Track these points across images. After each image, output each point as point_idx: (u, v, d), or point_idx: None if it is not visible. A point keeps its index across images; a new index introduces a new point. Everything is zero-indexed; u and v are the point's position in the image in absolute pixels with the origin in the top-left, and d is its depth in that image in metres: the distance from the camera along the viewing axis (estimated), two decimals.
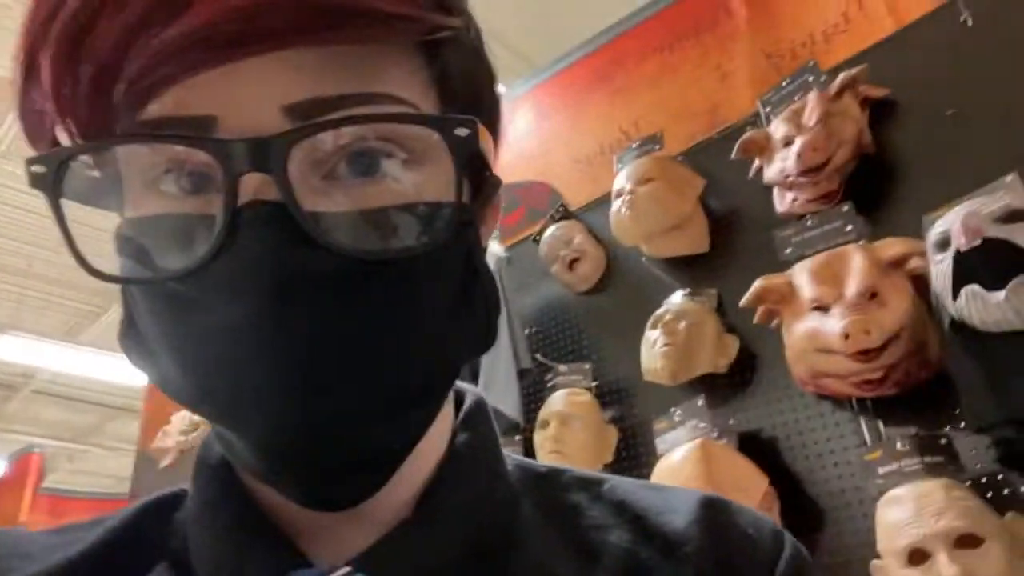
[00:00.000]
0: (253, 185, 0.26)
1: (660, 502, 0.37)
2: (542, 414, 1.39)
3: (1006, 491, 0.92)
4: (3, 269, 5.90)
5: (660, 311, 1.30)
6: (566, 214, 1.64)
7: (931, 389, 1.01)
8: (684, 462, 1.09)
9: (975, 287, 0.82)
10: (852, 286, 0.98)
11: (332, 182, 0.28)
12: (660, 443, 1.18)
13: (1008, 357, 0.81)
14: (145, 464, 2.65)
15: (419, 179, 0.29)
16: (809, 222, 1.13)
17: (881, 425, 1.07)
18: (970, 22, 1.16)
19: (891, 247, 1.02)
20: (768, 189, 1.29)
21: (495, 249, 1.66)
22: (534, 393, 1.51)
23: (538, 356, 1.56)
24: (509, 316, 1.49)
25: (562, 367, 1.47)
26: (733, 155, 1.29)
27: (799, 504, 1.11)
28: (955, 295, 0.85)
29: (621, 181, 1.40)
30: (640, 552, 0.35)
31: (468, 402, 0.38)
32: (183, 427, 2.13)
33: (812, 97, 1.19)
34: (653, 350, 1.26)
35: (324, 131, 0.26)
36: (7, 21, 2.95)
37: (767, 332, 1.19)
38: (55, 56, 0.26)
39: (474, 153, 0.29)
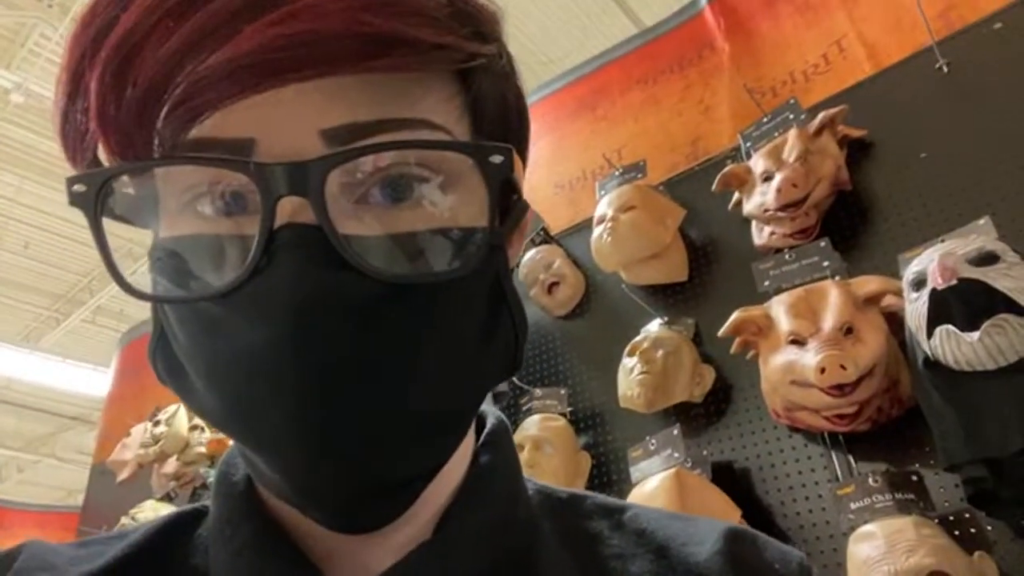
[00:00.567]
0: (290, 208, 0.26)
1: (684, 532, 0.36)
2: (516, 438, 1.38)
3: (973, 530, 0.93)
4: None
5: (638, 338, 1.30)
6: (546, 238, 1.64)
7: (902, 426, 1.02)
8: (658, 491, 1.08)
9: (950, 327, 0.83)
10: (829, 321, 1.00)
11: (365, 206, 0.28)
12: (634, 471, 1.17)
13: (980, 397, 0.82)
14: (100, 477, 2.56)
15: (452, 204, 0.29)
16: (787, 256, 1.14)
17: (852, 460, 1.08)
18: (945, 69, 1.20)
19: (867, 284, 1.03)
20: (746, 221, 1.31)
21: None
22: (509, 416, 1.49)
23: (514, 379, 1.55)
24: None
25: (538, 391, 1.46)
26: (714, 187, 1.31)
27: (771, 536, 1.11)
28: (930, 334, 0.86)
29: (603, 207, 1.41)
30: None
31: (490, 423, 0.38)
32: (143, 440, 2.06)
33: (792, 134, 1.22)
34: (630, 378, 1.26)
35: (362, 156, 0.27)
36: None
37: (742, 363, 1.20)
38: (102, 77, 0.26)
39: (507, 179, 0.29)
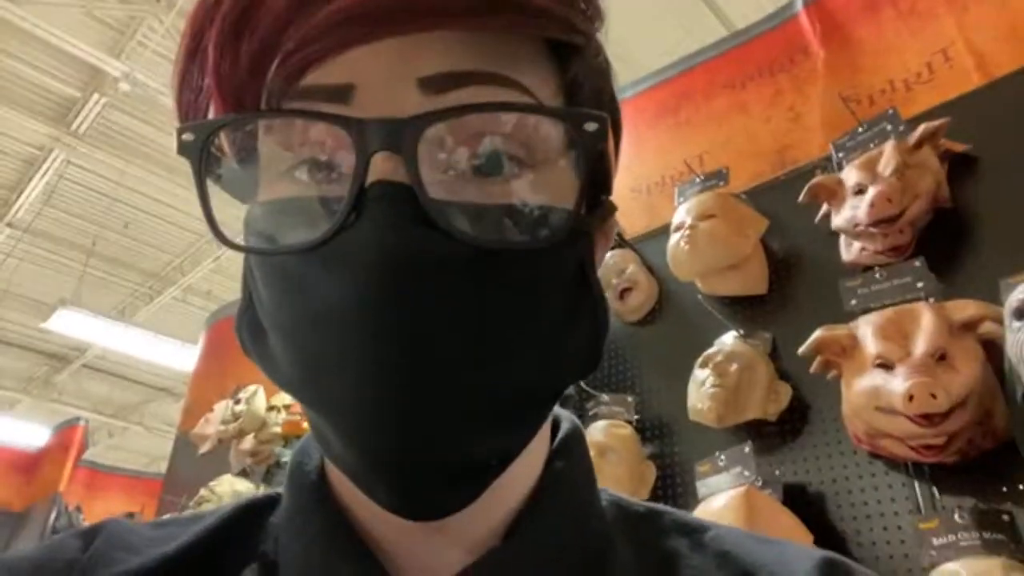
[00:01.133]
0: (382, 166, 0.27)
1: (773, 558, 0.34)
2: None
3: None
4: (69, 246, 6.16)
5: (711, 350, 1.27)
6: (621, 242, 1.62)
7: (993, 459, 0.96)
8: (725, 510, 1.06)
9: None
10: (920, 346, 0.95)
11: (456, 176, 0.28)
12: (702, 486, 1.15)
13: None
14: (183, 448, 2.71)
15: (540, 181, 0.29)
16: (878, 274, 1.09)
17: (936, 492, 1.03)
18: None
19: (964, 308, 0.97)
20: (833, 235, 1.25)
21: None
22: None
23: (581, 383, 1.54)
24: None
25: (605, 397, 1.45)
26: (801, 198, 1.26)
27: None
28: None
29: (681, 215, 1.38)
30: None
31: (565, 427, 0.37)
32: (224, 416, 2.17)
33: (889, 146, 1.16)
34: (701, 390, 1.23)
35: (460, 116, 0.27)
36: None
37: (821, 382, 1.15)
38: (220, 30, 0.27)
39: (599, 154, 0.29)
